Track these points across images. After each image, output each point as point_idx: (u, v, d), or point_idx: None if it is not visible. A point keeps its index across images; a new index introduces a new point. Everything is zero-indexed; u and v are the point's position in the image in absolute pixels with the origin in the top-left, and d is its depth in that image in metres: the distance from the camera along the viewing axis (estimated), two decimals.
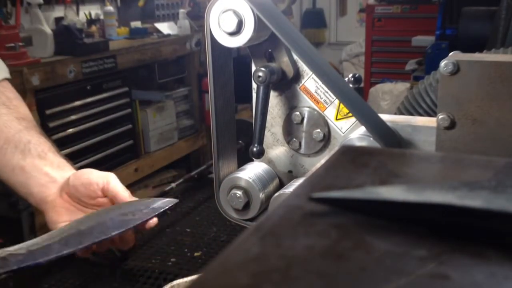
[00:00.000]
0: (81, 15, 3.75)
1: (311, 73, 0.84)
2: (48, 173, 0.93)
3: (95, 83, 3.08)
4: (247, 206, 0.87)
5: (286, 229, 0.39)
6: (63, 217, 0.90)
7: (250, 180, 0.87)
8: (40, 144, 0.95)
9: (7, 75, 1.04)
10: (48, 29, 2.90)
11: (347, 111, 0.84)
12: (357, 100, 0.84)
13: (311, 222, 0.40)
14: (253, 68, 0.84)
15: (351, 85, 0.92)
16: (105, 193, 0.90)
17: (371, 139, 0.80)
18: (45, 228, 0.94)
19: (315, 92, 0.86)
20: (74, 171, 0.94)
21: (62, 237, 0.80)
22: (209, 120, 0.90)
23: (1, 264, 0.76)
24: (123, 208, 0.86)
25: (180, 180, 3.47)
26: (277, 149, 0.91)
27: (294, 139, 0.89)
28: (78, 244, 0.80)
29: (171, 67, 3.75)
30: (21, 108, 1.02)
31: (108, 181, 0.89)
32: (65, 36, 2.95)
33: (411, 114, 1.04)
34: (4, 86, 1.02)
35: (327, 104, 0.86)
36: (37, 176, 0.93)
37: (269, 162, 0.92)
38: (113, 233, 0.82)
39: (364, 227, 0.39)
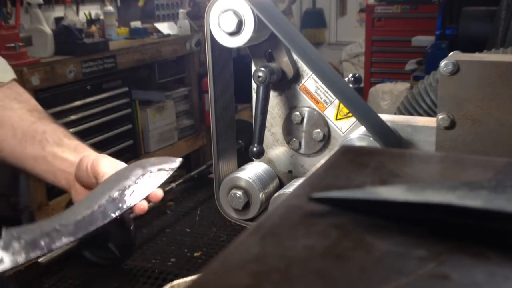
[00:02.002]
0: (81, 15, 3.75)
1: (311, 73, 0.84)
2: (67, 158, 0.95)
3: (95, 83, 3.08)
4: (247, 206, 0.87)
5: (286, 229, 0.39)
6: (81, 197, 0.92)
7: (250, 180, 0.87)
8: (55, 132, 0.99)
9: (14, 76, 1.07)
10: (48, 29, 2.90)
11: (347, 111, 0.84)
12: (357, 100, 0.84)
13: (311, 222, 0.40)
14: (253, 68, 0.84)
15: (351, 85, 0.92)
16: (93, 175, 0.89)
17: (371, 139, 0.80)
18: None
19: (315, 92, 0.86)
20: (89, 151, 0.96)
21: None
22: (209, 120, 0.91)
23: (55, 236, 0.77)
24: (114, 184, 0.82)
25: (180, 180, 3.47)
26: (277, 149, 0.91)
27: (294, 139, 0.89)
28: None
29: (171, 67, 3.75)
30: (31, 100, 1.05)
31: (94, 163, 0.89)
32: (65, 36, 2.95)
33: (411, 114, 1.04)
34: (14, 85, 1.06)
35: (327, 104, 0.86)
36: (58, 163, 0.96)
37: (269, 162, 0.92)
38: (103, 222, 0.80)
39: (364, 227, 0.39)
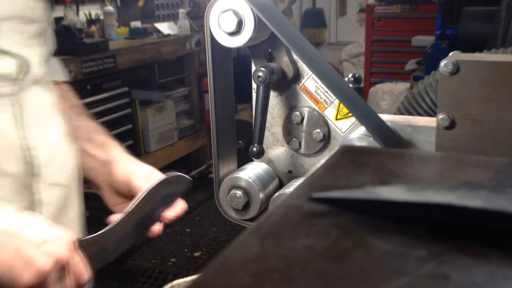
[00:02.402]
0: (81, 15, 3.75)
1: (311, 73, 0.84)
2: (94, 155, 0.99)
3: (95, 83, 3.08)
4: (247, 206, 0.87)
5: (286, 229, 0.39)
6: (114, 202, 0.97)
7: (250, 180, 0.87)
8: (87, 127, 1.03)
9: (66, 78, 1.11)
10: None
11: (347, 111, 0.84)
12: (357, 100, 0.84)
13: (311, 222, 0.40)
14: (253, 68, 0.84)
15: (351, 85, 0.92)
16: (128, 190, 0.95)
17: (371, 139, 0.80)
18: None
19: (315, 92, 0.86)
20: (118, 149, 0.99)
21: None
22: (209, 120, 0.93)
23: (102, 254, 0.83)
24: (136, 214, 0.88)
25: None
26: (277, 149, 0.91)
27: (294, 139, 0.89)
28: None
29: (171, 67, 3.75)
30: (73, 98, 1.08)
31: (129, 179, 0.93)
32: (65, 36, 2.95)
33: (411, 114, 1.04)
34: (63, 85, 1.09)
35: (327, 104, 0.86)
36: (88, 160, 0.99)
37: (269, 162, 0.92)
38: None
39: (364, 227, 0.39)
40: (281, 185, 0.91)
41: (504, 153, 0.70)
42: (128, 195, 0.92)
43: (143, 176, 0.92)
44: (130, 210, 0.86)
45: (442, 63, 0.70)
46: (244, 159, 0.95)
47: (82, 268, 0.79)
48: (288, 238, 0.38)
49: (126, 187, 0.92)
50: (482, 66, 0.70)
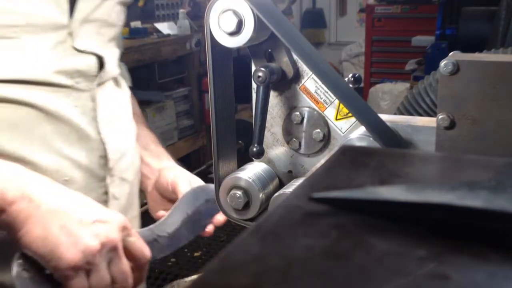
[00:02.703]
0: None
1: (311, 73, 0.84)
2: (149, 163, 1.04)
3: None
4: (247, 206, 0.87)
5: (286, 229, 0.39)
6: (159, 206, 1.03)
7: (250, 180, 0.87)
8: (145, 136, 1.08)
9: (129, 84, 1.14)
10: None
11: (347, 111, 0.84)
12: (357, 100, 0.84)
13: (311, 222, 0.40)
14: (253, 68, 0.84)
15: (351, 85, 0.92)
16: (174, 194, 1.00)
17: (371, 139, 0.80)
18: None
19: (315, 92, 0.86)
20: (170, 161, 1.06)
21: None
22: (209, 120, 0.97)
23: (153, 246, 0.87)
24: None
25: None
26: (277, 149, 0.91)
27: (294, 139, 0.89)
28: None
29: (171, 67, 3.75)
30: (135, 105, 1.12)
31: (174, 182, 0.99)
32: None
33: (411, 114, 1.04)
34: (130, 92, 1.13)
35: (327, 104, 0.86)
36: (142, 167, 1.04)
37: (269, 162, 0.92)
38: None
39: (364, 227, 0.39)
40: (281, 185, 0.91)
41: (504, 153, 0.70)
42: (173, 199, 0.98)
43: (187, 182, 0.98)
44: (174, 207, 0.93)
45: (442, 63, 0.70)
46: (244, 159, 0.95)
47: (140, 246, 0.77)
48: (288, 238, 0.38)
49: (172, 191, 0.98)
50: (482, 66, 0.70)
